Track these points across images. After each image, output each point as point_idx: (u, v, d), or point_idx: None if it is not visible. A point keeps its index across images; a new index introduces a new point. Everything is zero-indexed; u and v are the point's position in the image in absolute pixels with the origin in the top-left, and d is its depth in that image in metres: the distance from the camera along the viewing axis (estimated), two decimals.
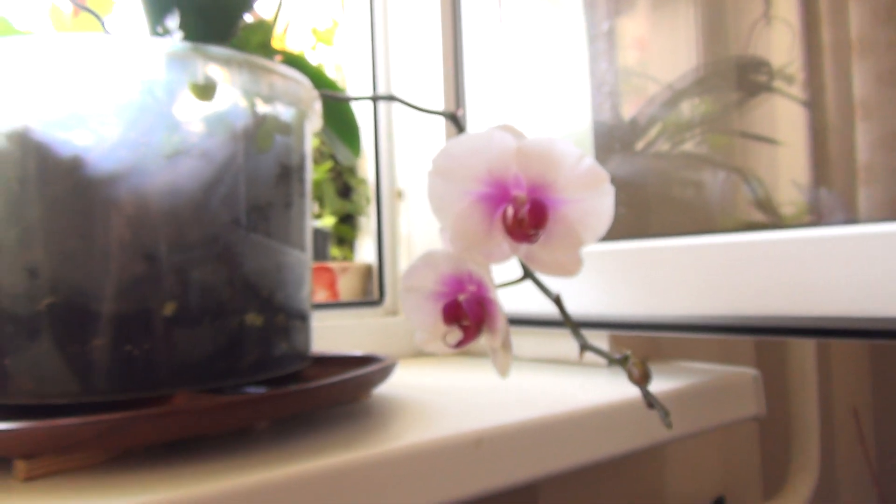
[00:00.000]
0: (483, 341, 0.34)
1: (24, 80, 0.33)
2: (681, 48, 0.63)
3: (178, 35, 0.35)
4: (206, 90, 0.33)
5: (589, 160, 0.31)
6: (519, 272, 0.34)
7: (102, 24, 0.41)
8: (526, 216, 0.30)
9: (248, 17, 0.42)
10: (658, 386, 0.47)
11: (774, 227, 0.46)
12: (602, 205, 0.31)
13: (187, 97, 0.34)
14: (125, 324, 0.33)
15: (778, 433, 0.68)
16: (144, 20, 0.38)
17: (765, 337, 0.48)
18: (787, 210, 0.54)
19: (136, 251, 0.33)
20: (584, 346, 0.31)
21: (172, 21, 0.35)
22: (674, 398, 0.46)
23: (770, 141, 0.60)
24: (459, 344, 0.33)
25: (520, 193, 0.31)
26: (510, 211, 0.31)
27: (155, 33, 0.36)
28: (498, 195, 0.31)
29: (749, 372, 0.52)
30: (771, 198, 0.56)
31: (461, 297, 0.33)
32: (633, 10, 0.65)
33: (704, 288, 0.48)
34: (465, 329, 0.33)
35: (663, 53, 0.65)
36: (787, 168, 0.57)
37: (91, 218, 0.33)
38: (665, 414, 0.29)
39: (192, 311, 0.34)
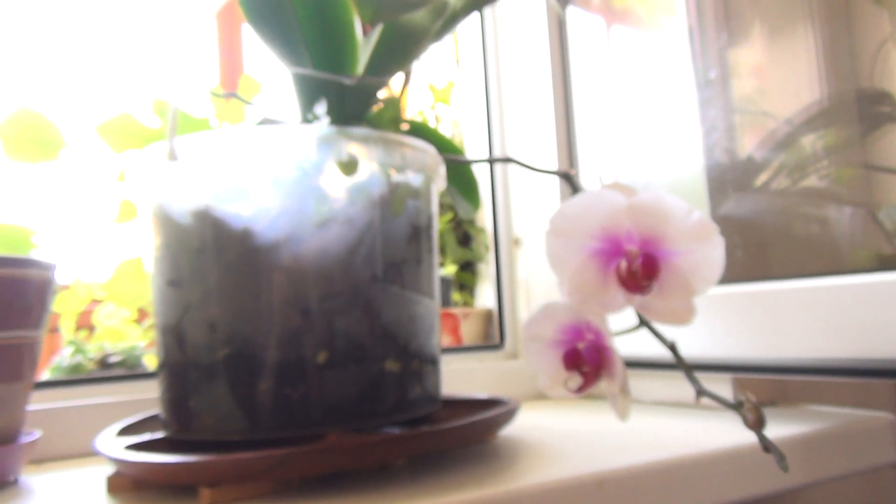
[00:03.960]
0: (602, 386, 0.36)
1: (207, 166, 0.39)
2: (801, 79, 0.62)
3: (326, 120, 0.40)
4: (349, 166, 0.39)
5: (698, 213, 0.33)
6: (634, 320, 0.37)
7: (252, 107, 0.48)
8: (639, 268, 0.33)
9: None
10: (785, 430, 0.46)
11: None
12: (713, 255, 0.33)
13: (333, 172, 0.39)
14: (285, 370, 0.38)
15: None
16: (296, 105, 0.44)
17: None
18: None
19: (294, 307, 0.38)
20: (700, 392, 0.33)
21: (321, 108, 0.40)
22: (801, 443, 0.46)
23: None
24: (580, 389, 0.35)
25: (632, 247, 0.33)
26: (623, 264, 0.33)
27: (305, 119, 0.42)
28: (611, 249, 0.34)
29: (886, 416, 0.50)
30: None
31: (580, 345, 0.35)
32: (748, 40, 0.65)
33: (833, 330, 0.47)
34: (584, 375, 0.35)
35: (782, 85, 0.64)
36: None
37: (258, 280, 0.38)
38: (781, 458, 0.30)
39: (340, 359, 0.39)
